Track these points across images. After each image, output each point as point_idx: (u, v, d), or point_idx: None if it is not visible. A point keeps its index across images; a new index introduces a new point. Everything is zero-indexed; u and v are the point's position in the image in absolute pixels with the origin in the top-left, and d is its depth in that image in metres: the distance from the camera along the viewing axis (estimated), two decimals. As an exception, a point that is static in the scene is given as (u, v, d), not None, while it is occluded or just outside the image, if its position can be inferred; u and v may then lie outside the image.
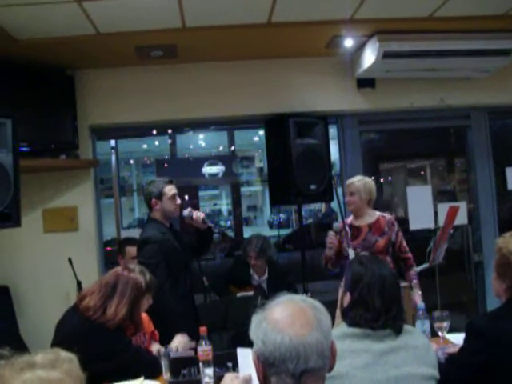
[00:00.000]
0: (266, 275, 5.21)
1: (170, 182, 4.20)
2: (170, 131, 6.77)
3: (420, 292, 4.35)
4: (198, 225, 4.27)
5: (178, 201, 4.19)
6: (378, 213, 4.50)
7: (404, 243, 4.45)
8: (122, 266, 3.27)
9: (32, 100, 4.75)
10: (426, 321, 3.29)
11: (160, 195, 4.10)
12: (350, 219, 4.51)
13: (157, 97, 5.32)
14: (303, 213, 8.02)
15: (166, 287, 3.78)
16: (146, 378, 2.77)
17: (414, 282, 4.38)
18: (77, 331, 2.93)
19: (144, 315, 3.59)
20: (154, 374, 2.99)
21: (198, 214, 4.25)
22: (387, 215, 4.52)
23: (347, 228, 4.28)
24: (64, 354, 1.59)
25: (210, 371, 2.94)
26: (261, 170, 8.63)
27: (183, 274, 4.09)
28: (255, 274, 5.21)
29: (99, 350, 2.85)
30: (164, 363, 3.09)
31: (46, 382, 1.48)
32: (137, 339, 3.35)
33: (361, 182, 4.46)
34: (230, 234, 8.84)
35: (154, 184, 4.18)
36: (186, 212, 4.26)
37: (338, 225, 4.45)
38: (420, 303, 4.20)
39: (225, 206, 9.35)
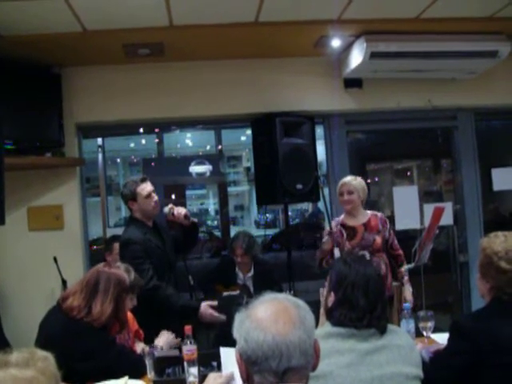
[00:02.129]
0: (252, 273, 5.20)
1: (143, 181, 4.10)
2: (157, 130, 6.76)
3: (411, 289, 4.41)
4: (181, 221, 4.20)
5: (155, 198, 4.09)
6: (369, 212, 4.53)
7: (395, 241, 4.52)
8: (106, 263, 3.24)
9: (17, 97, 4.70)
10: (411, 320, 3.30)
11: (134, 196, 4.03)
12: (341, 219, 4.51)
13: (144, 95, 5.30)
14: (290, 213, 8.05)
15: (154, 281, 3.78)
16: (131, 377, 2.76)
17: (405, 278, 4.41)
18: (60, 331, 2.90)
19: (128, 314, 3.58)
20: (138, 373, 2.97)
21: (180, 210, 4.18)
22: (378, 214, 4.55)
23: (340, 228, 4.31)
24: (39, 353, 1.60)
25: (194, 370, 2.92)
26: (248, 169, 8.62)
27: (167, 272, 4.06)
28: (240, 272, 5.20)
29: (83, 349, 2.83)
30: (148, 362, 3.08)
31: (19, 381, 1.48)
32: (121, 338, 3.33)
33: (357, 180, 4.49)
34: (217, 233, 8.83)
35: (126, 186, 4.10)
36: (166, 209, 4.19)
37: (334, 225, 4.42)
38: (410, 299, 4.24)
39: (212, 205, 9.33)
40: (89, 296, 2.98)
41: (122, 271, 3.14)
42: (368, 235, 4.37)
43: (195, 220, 4.37)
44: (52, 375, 1.57)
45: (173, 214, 4.16)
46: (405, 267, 4.46)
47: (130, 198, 4.04)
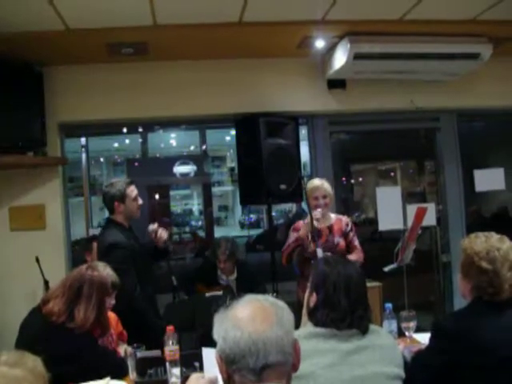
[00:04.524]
0: (235, 275, 5.20)
1: (131, 183, 4.14)
2: (140, 130, 6.73)
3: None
4: (158, 242, 4.26)
5: (140, 201, 4.15)
6: (333, 215, 4.65)
7: (355, 237, 4.62)
8: (87, 264, 3.21)
9: (-1, 96, 4.67)
10: (393, 320, 3.32)
11: (123, 197, 4.03)
12: (306, 221, 4.51)
13: (127, 94, 5.27)
14: (274, 213, 8.05)
15: (137, 291, 3.79)
16: (113, 378, 2.75)
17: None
18: (41, 334, 2.90)
19: (113, 315, 3.57)
20: (121, 374, 2.97)
21: (163, 235, 4.25)
22: (343, 217, 4.69)
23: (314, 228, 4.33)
24: (29, 354, 1.62)
25: (176, 371, 2.93)
26: (232, 169, 8.62)
27: (151, 276, 4.09)
28: (223, 274, 5.21)
29: (64, 351, 2.82)
30: (130, 363, 3.07)
31: (8, 378, 1.50)
32: (104, 340, 3.32)
33: (327, 183, 4.58)
34: (201, 233, 8.81)
35: (114, 186, 4.08)
36: (151, 227, 4.26)
37: (318, 212, 4.41)
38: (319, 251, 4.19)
39: (196, 205, 9.31)
40: (70, 301, 2.96)
41: (104, 273, 3.12)
42: (332, 238, 4.49)
43: (170, 248, 4.48)
44: (41, 375, 1.59)
45: (155, 232, 4.21)
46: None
47: (119, 198, 4.03)
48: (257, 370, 1.53)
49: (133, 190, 4.09)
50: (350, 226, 4.60)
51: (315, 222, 4.29)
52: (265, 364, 1.53)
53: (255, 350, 1.52)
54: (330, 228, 4.50)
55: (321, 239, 4.42)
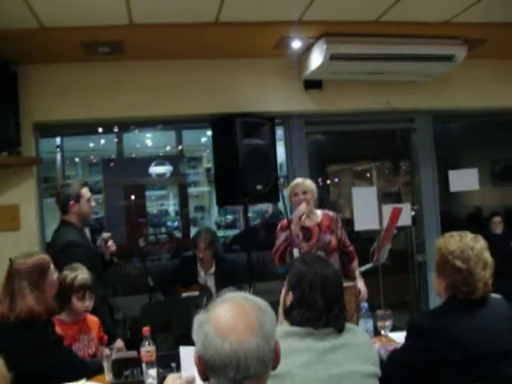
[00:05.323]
0: (213, 269, 5.23)
1: (85, 185, 4.26)
2: (116, 130, 6.68)
3: (362, 280, 4.48)
4: (105, 252, 4.34)
5: (93, 203, 4.25)
6: (320, 211, 4.55)
7: (347, 239, 4.56)
8: (16, 257, 3.20)
9: (-28, 95, 4.61)
10: (369, 319, 3.34)
11: (78, 197, 4.11)
12: (292, 218, 4.50)
13: (103, 94, 5.24)
14: (251, 214, 8.05)
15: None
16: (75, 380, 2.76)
17: (357, 272, 4.47)
18: (2, 329, 2.91)
19: (95, 319, 3.57)
20: (82, 377, 2.96)
21: (113, 247, 4.35)
22: (330, 212, 4.58)
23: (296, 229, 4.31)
24: None
25: (153, 372, 2.91)
26: (208, 170, 8.58)
27: (101, 276, 4.13)
28: (202, 269, 5.23)
29: (27, 346, 2.83)
30: (106, 365, 3.05)
31: None
32: (82, 345, 3.34)
33: (309, 181, 4.52)
34: (178, 234, 8.77)
35: (70, 186, 4.19)
36: (105, 235, 4.36)
37: (303, 207, 4.33)
38: (364, 289, 4.28)
39: (172, 206, 9.25)
40: (10, 297, 2.97)
41: (32, 259, 3.12)
42: (323, 236, 4.40)
43: (115, 261, 4.55)
44: (2, 376, 1.57)
45: (105, 242, 4.31)
46: (361, 268, 4.51)
47: (74, 197, 4.10)
48: (236, 382, 1.52)
49: (87, 191, 4.20)
50: (339, 225, 4.52)
51: (303, 217, 4.27)
52: (245, 376, 1.52)
53: (236, 363, 1.50)
54: (320, 225, 4.45)
55: (312, 239, 4.40)
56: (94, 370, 3.09)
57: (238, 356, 1.51)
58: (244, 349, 1.51)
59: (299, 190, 4.44)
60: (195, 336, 1.60)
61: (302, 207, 4.29)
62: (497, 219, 6.66)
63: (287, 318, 2.31)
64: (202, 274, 5.25)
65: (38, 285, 3.01)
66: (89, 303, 3.44)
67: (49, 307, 3.04)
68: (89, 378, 3.00)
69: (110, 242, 4.33)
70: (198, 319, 1.62)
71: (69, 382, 2.83)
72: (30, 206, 5.15)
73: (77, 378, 2.89)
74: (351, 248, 4.57)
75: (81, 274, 3.40)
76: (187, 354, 2.73)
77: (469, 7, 4.50)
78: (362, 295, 4.35)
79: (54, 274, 3.17)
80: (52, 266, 3.15)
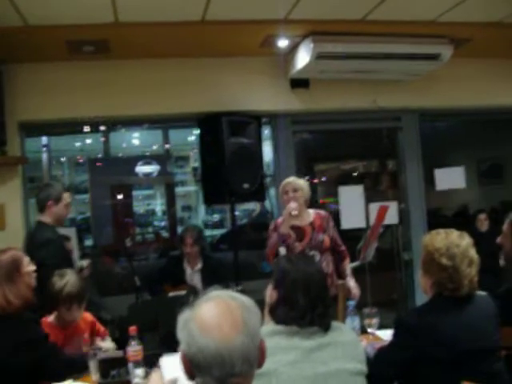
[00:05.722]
0: (199, 266, 5.23)
1: (68, 191, 4.31)
2: (103, 129, 6.65)
3: (354, 279, 4.44)
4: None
5: (70, 210, 4.34)
6: (311, 210, 4.52)
7: (338, 238, 4.53)
8: None
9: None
10: (356, 317, 3.34)
11: (58, 199, 4.13)
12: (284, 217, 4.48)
13: (89, 93, 5.20)
14: (238, 213, 8.04)
15: None
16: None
17: (348, 271, 4.44)
18: None
19: (90, 318, 3.55)
20: (70, 373, 2.95)
21: (87, 272, 4.33)
22: (322, 212, 4.54)
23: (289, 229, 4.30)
24: None
25: (140, 371, 2.90)
26: (195, 169, 8.56)
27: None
28: (188, 266, 5.23)
29: (10, 340, 2.81)
30: (92, 364, 3.03)
31: None
32: (70, 347, 3.31)
33: (301, 180, 4.48)
34: (165, 234, 8.75)
35: (52, 187, 4.22)
36: (84, 263, 4.35)
37: (293, 205, 4.26)
38: (355, 290, 4.27)
39: (159, 205, 9.23)
40: None
41: (7, 252, 3.07)
42: (316, 235, 4.36)
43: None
44: None
45: (81, 271, 4.25)
46: (350, 264, 4.50)
47: (54, 198, 4.11)
48: (221, 380, 1.52)
49: (69, 197, 4.24)
50: (331, 224, 4.48)
51: (293, 212, 4.23)
52: (230, 374, 1.51)
53: (221, 362, 1.50)
54: (313, 225, 4.41)
55: (305, 239, 4.39)
56: (82, 366, 3.07)
57: (223, 354, 1.50)
58: (228, 347, 1.51)
59: (289, 188, 4.40)
60: (180, 334, 1.59)
61: (292, 204, 4.25)
62: (482, 216, 6.67)
63: (272, 316, 2.31)
64: (188, 270, 5.25)
65: (10, 278, 2.97)
66: (77, 314, 3.37)
67: (25, 299, 3.02)
68: (77, 376, 2.99)
69: (85, 271, 4.30)
70: (183, 317, 1.61)
71: (56, 378, 2.81)
72: (16, 206, 5.12)
73: (64, 375, 2.88)
74: (343, 248, 4.52)
75: (69, 283, 3.30)
76: (168, 361, 2.74)
77: (454, 6, 4.52)
78: (353, 293, 4.32)
79: (28, 266, 3.11)
80: (26, 259, 3.13)
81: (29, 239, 4.21)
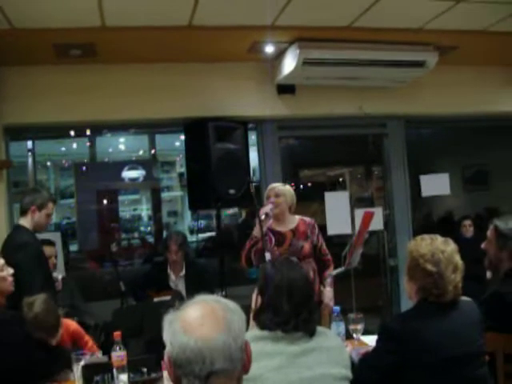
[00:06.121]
0: (183, 272, 5.22)
1: (54, 202, 4.28)
2: (88, 133, 6.62)
3: (332, 291, 4.38)
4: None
5: (50, 221, 4.38)
6: (297, 217, 4.52)
7: (324, 246, 4.50)
8: None
9: None
10: (341, 323, 3.35)
11: (41, 206, 4.07)
12: (269, 224, 4.49)
13: (75, 97, 5.18)
14: (224, 219, 8.03)
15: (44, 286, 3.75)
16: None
17: (328, 280, 4.42)
18: None
19: (70, 327, 3.52)
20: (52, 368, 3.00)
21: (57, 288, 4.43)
22: (307, 219, 4.54)
23: (269, 233, 4.29)
24: None
25: (124, 377, 2.88)
26: (182, 175, 8.55)
27: (51, 284, 4.14)
28: (172, 273, 5.23)
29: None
30: (76, 370, 3.01)
31: None
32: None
33: (285, 186, 4.49)
34: (150, 239, 8.73)
35: (39, 193, 4.17)
36: (60, 276, 4.56)
37: (267, 208, 4.22)
38: (327, 301, 4.24)
39: (145, 211, 9.22)
40: None
41: None
42: (296, 241, 4.35)
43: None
44: None
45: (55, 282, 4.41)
46: (334, 271, 4.49)
47: (38, 204, 4.06)
48: (202, 377, 1.51)
49: (52, 208, 4.18)
50: (316, 231, 4.46)
51: (262, 217, 4.18)
52: (210, 371, 1.51)
53: (201, 358, 1.49)
54: (294, 231, 4.40)
55: (285, 243, 4.38)
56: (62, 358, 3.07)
57: (203, 351, 1.50)
58: (209, 345, 1.51)
59: (272, 193, 4.42)
60: (165, 335, 1.59)
61: (267, 207, 4.26)
62: (467, 222, 6.70)
63: (257, 321, 2.31)
64: (172, 277, 5.24)
65: None
66: (53, 340, 3.22)
67: None
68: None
69: (58, 284, 4.40)
70: (168, 318, 1.61)
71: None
72: (0, 211, 5.08)
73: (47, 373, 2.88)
74: (329, 257, 4.50)
75: (38, 319, 3.13)
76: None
77: (440, 14, 4.56)
78: (324, 302, 4.30)
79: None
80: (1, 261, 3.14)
81: (6, 241, 4.17)
